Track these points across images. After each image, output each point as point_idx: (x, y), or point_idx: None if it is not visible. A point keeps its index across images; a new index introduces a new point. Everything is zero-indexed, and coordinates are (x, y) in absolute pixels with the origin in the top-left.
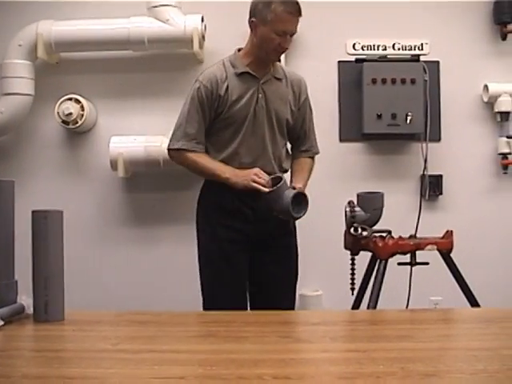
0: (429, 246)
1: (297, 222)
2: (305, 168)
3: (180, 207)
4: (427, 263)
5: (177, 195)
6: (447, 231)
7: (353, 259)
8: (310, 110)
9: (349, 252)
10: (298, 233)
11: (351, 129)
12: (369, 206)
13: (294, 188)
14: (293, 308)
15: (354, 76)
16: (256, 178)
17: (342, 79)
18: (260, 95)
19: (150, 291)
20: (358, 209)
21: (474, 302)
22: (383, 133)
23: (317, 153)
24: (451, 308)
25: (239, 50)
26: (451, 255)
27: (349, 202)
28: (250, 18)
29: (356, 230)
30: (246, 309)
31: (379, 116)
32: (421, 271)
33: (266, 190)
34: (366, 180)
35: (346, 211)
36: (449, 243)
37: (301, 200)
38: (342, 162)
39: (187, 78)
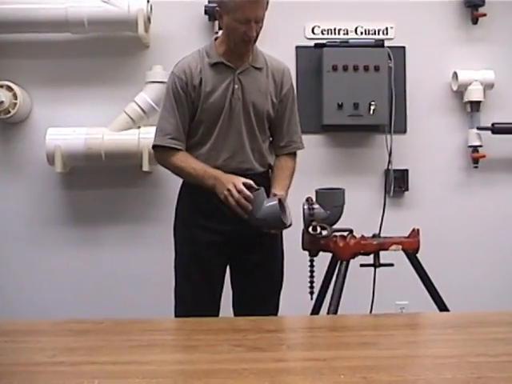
0: (393, 246)
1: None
2: (285, 173)
3: (124, 205)
4: (392, 264)
5: (120, 192)
6: (413, 230)
7: (311, 261)
8: (293, 101)
9: (307, 253)
10: None
11: (310, 120)
12: (329, 203)
13: (275, 195)
14: (276, 313)
15: (312, 62)
16: (228, 194)
17: (300, 66)
18: (236, 86)
19: (91, 297)
20: (316, 206)
21: (442, 306)
22: (344, 124)
23: (298, 148)
24: (418, 313)
25: (216, 38)
26: (417, 256)
27: (307, 199)
28: (216, 7)
29: (315, 229)
30: (218, 315)
31: (340, 106)
32: (385, 273)
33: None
34: (325, 175)
35: (303, 209)
36: (415, 243)
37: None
38: (300, 155)
39: (131, 64)
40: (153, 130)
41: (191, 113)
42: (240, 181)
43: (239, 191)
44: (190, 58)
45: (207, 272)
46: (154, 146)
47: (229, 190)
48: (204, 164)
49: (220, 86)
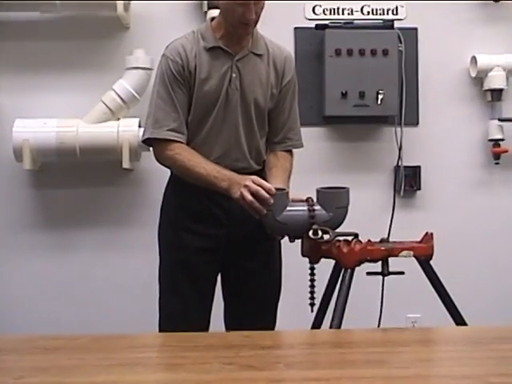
0: (404, 252)
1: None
2: (284, 176)
3: (102, 206)
4: (402, 273)
5: (98, 192)
6: (426, 234)
7: (312, 268)
8: (294, 93)
9: (307, 260)
10: None
11: (310, 110)
12: (331, 203)
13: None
14: (273, 327)
15: (313, 46)
16: (245, 189)
17: (300, 50)
18: (234, 75)
19: (64, 309)
20: (318, 207)
21: (459, 320)
22: (349, 115)
23: (294, 147)
24: (432, 327)
25: (212, 19)
26: (431, 263)
27: (307, 200)
28: None
29: (316, 233)
30: (208, 329)
31: (344, 95)
32: (395, 282)
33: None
34: (327, 172)
35: None
36: (428, 248)
37: None
38: (299, 150)
39: (109, 48)
40: (134, 121)
41: (189, 100)
42: (259, 178)
43: (259, 185)
44: (183, 39)
45: (196, 281)
46: (148, 140)
47: (246, 186)
48: (215, 163)
49: (216, 73)
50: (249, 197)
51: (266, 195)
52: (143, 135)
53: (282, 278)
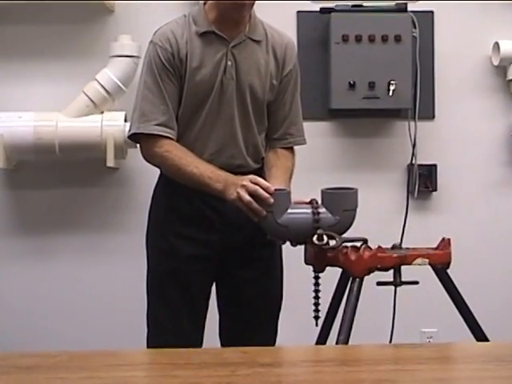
0: (418, 260)
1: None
2: (285, 176)
3: (84, 208)
4: (417, 282)
5: (79, 193)
6: (443, 240)
7: (317, 278)
8: (296, 84)
9: (311, 268)
10: None
11: (314, 103)
12: (338, 206)
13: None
14: (273, 343)
15: (318, 32)
16: (242, 189)
17: (303, 36)
18: (229, 63)
19: (42, 323)
20: (323, 210)
21: (479, 334)
22: (357, 108)
23: (296, 144)
24: (449, 343)
25: (206, 2)
26: (448, 271)
27: (311, 202)
28: None
29: (321, 238)
30: (201, 345)
31: (352, 86)
32: (408, 293)
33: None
34: (333, 171)
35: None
36: (445, 256)
37: None
38: (302, 147)
39: (92, 33)
40: (119, 115)
41: (180, 91)
42: (257, 177)
43: (256, 183)
44: (173, 24)
45: (188, 291)
46: (134, 135)
47: (243, 186)
48: (208, 163)
49: (209, 61)
50: (246, 197)
51: (265, 194)
52: (129, 130)
53: (283, 287)
